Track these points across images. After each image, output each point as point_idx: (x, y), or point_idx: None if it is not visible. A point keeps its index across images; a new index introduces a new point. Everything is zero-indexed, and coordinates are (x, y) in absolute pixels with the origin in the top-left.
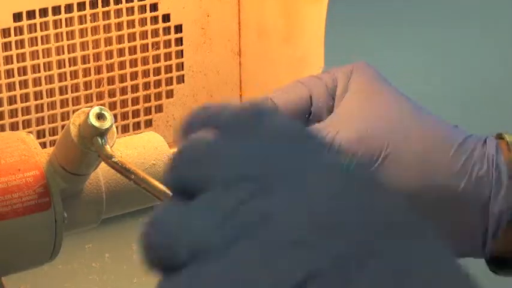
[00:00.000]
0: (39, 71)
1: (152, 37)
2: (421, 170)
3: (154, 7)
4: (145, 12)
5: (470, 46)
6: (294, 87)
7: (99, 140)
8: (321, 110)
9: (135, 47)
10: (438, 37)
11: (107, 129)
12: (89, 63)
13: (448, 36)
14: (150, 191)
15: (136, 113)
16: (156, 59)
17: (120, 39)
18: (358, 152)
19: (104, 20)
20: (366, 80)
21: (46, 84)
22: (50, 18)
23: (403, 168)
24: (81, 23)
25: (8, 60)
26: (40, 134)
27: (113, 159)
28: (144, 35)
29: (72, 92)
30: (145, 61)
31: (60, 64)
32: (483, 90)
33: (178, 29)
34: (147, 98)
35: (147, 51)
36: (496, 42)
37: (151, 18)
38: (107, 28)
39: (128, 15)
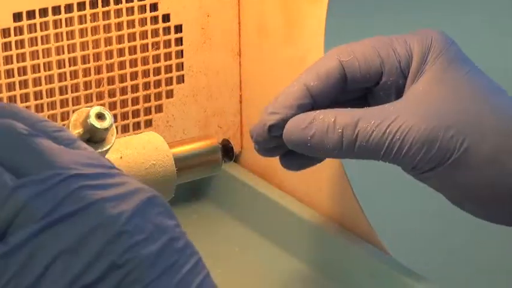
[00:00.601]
0: (39, 71)
1: (152, 37)
2: (496, 163)
3: (154, 7)
4: (145, 12)
5: (471, 36)
6: (367, 53)
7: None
8: (390, 86)
9: (135, 47)
10: None
11: (107, 129)
12: (89, 63)
13: (450, 34)
14: None
15: (136, 113)
16: (156, 59)
17: (120, 39)
18: (430, 149)
19: (104, 20)
20: (444, 62)
21: (46, 84)
22: (50, 18)
23: (479, 162)
24: (81, 23)
25: (8, 60)
26: None
27: None
28: (144, 35)
29: (72, 92)
30: (145, 61)
31: (60, 64)
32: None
33: (178, 29)
34: (147, 98)
35: (147, 51)
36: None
37: (151, 18)
38: (107, 28)
39: (128, 15)
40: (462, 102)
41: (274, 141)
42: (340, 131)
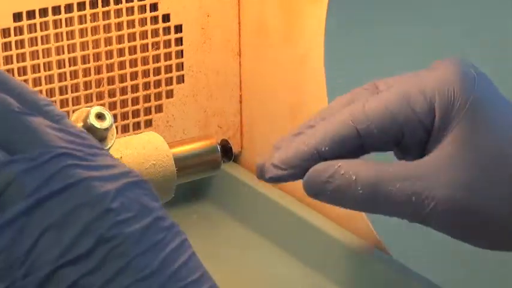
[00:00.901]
0: (39, 71)
1: (152, 37)
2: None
3: (154, 7)
4: (145, 12)
5: (472, 45)
6: (385, 121)
7: None
8: (412, 143)
9: (135, 47)
10: (440, 35)
11: (107, 129)
12: (89, 63)
13: (450, 34)
14: None
15: (136, 113)
16: (156, 59)
17: (120, 39)
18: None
19: (104, 20)
20: (471, 117)
21: (46, 84)
22: (50, 18)
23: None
24: (81, 23)
25: (8, 60)
26: None
27: None
28: (144, 35)
29: (72, 92)
30: (145, 61)
31: (60, 64)
32: None
33: (178, 29)
34: (147, 98)
35: (147, 51)
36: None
37: (151, 18)
38: (107, 28)
39: (128, 15)
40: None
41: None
42: (361, 191)
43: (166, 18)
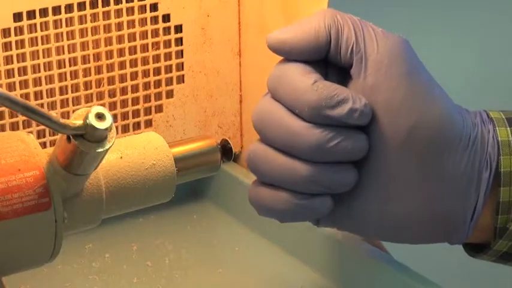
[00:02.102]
0: (39, 71)
1: (152, 37)
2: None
3: (154, 7)
4: (145, 12)
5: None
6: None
7: None
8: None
9: (135, 47)
10: (440, 37)
11: (107, 129)
12: (89, 63)
13: (447, 43)
14: (42, 122)
15: (136, 113)
16: (156, 59)
17: (120, 39)
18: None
19: (104, 20)
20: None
21: (46, 84)
22: (50, 18)
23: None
24: (81, 23)
25: (8, 60)
26: (40, 134)
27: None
28: (144, 35)
29: (72, 92)
30: (145, 61)
31: (60, 64)
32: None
33: (178, 29)
34: (147, 98)
35: (147, 51)
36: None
37: (151, 18)
38: (107, 28)
39: (128, 15)
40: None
41: None
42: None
43: (166, 18)
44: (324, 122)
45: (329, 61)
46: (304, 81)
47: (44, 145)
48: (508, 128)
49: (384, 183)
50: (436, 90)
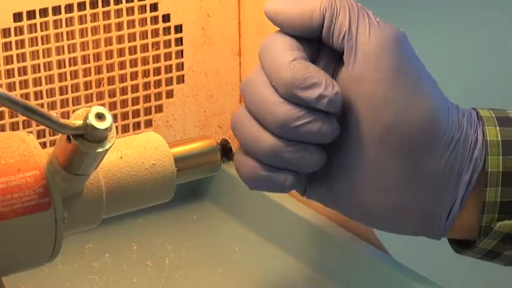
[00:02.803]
0: (39, 71)
1: (152, 37)
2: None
3: (154, 7)
4: (145, 12)
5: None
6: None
7: None
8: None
9: (135, 47)
10: (440, 36)
11: (107, 129)
12: (89, 63)
13: (450, 38)
14: (42, 122)
15: (136, 113)
16: (156, 59)
17: (120, 39)
18: None
19: (104, 20)
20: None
21: (46, 84)
22: (50, 18)
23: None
24: (81, 23)
25: (8, 60)
26: (40, 134)
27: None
28: (144, 35)
29: (72, 92)
30: (145, 61)
31: (60, 64)
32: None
33: (178, 29)
34: (147, 98)
35: (147, 51)
36: None
37: (151, 18)
38: (107, 28)
39: (128, 15)
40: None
41: None
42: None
43: (166, 18)
44: (296, 101)
45: (323, 42)
46: (284, 57)
47: (44, 145)
48: (498, 128)
49: (359, 173)
50: (425, 87)
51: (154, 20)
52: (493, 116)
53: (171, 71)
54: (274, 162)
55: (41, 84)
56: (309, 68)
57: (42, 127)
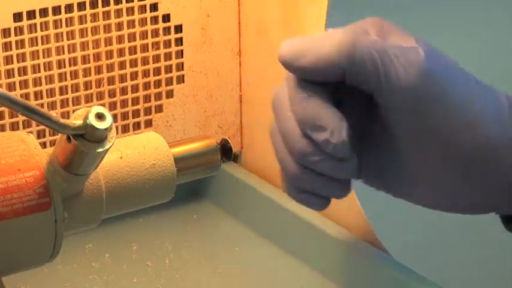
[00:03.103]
0: (39, 71)
1: (152, 37)
2: None
3: (154, 7)
4: (145, 12)
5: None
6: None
7: None
8: None
9: (135, 47)
10: (440, 36)
11: (107, 129)
12: (89, 63)
13: (451, 36)
14: (42, 122)
15: (136, 113)
16: (156, 59)
17: (120, 39)
18: None
19: (104, 20)
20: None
21: (46, 84)
22: (50, 18)
23: None
24: (81, 23)
25: (8, 60)
26: (40, 134)
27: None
28: (144, 35)
29: (72, 92)
30: (145, 61)
31: (60, 64)
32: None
33: (178, 29)
34: (147, 98)
35: (147, 51)
36: None
37: (151, 18)
38: (107, 28)
39: (128, 15)
40: None
41: None
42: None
43: (166, 18)
44: (310, 138)
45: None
46: (298, 92)
47: (44, 145)
48: None
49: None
50: (476, 106)
51: (154, 20)
52: None
53: (171, 71)
54: (297, 186)
55: (41, 84)
56: (318, 109)
57: (42, 127)
